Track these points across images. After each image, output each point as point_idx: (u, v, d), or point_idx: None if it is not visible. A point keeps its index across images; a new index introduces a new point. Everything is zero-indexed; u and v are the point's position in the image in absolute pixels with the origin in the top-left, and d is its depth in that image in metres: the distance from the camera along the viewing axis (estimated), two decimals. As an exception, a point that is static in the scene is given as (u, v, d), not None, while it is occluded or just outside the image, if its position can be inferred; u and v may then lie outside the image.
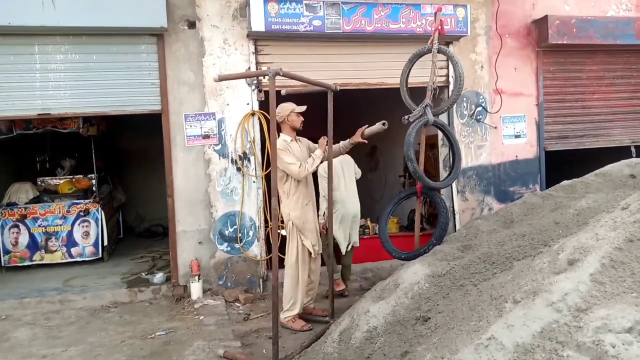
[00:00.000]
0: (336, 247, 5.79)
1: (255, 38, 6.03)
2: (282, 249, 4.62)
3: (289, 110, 4.89)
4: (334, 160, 5.50)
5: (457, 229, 6.44)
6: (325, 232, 5.42)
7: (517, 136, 7.13)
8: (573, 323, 2.14)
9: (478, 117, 6.91)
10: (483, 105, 6.94)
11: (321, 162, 5.07)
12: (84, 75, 5.63)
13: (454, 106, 6.33)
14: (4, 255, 6.86)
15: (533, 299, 2.36)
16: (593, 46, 7.24)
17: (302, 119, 4.97)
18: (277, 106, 3.91)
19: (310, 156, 4.93)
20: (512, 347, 2.18)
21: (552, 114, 7.32)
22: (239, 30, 6.00)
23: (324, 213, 5.48)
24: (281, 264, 4.50)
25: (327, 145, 4.98)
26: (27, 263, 6.98)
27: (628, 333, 1.93)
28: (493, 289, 2.84)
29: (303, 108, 4.92)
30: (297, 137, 5.05)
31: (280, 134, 4.96)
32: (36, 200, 7.36)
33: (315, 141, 5.10)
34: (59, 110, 5.68)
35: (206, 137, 5.97)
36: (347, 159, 5.85)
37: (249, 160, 6.11)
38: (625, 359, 1.83)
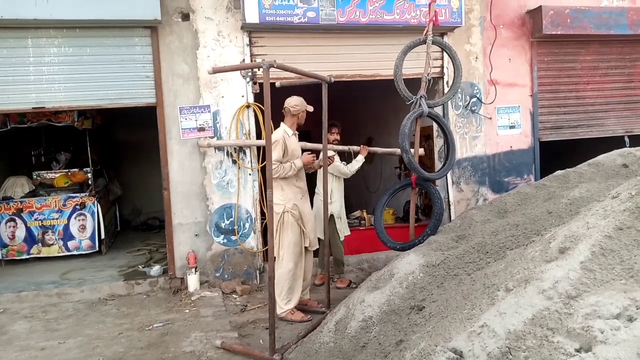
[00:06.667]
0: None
1: (250, 30, 6.02)
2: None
3: (305, 106, 4.97)
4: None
5: (452, 219, 6.48)
6: None
7: (511, 127, 7.15)
8: (563, 310, 2.17)
9: (473, 108, 6.93)
10: (478, 96, 6.95)
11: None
12: (78, 68, 5.62)
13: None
14: (1, 249, 6.88)
15: (525, 287, 2.39)
16: (587, 36, 7.25)
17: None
18: (269, 98, 3.90)
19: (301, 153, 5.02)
20: (504, 334, 2.21)
21: (546, 104, 7.35)
22: (233, 22, 5.99)
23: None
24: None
25: (314, 160, 5.08)
26: (24, 256, 7.01)
27: (616, 319, 1.97)
28: (486, 278, 2.88)
29: (311, 108, 5.02)
30: (295, 132, 5.10)
31: (282, 123, 5.00)
32: (32, 194, 7.36)
33: (309, 134, 5.14)
34: (54, 104, 5.66)
35: (201, 129, 5.97)
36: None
37: (244, 152, 6.11)
38: (613, 343, 1.87)
